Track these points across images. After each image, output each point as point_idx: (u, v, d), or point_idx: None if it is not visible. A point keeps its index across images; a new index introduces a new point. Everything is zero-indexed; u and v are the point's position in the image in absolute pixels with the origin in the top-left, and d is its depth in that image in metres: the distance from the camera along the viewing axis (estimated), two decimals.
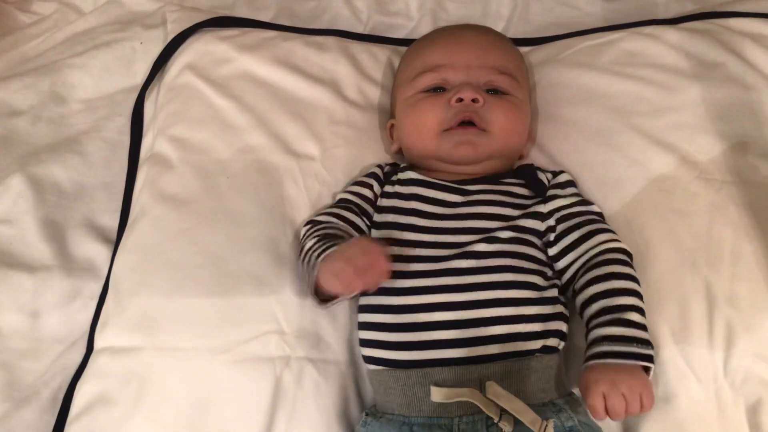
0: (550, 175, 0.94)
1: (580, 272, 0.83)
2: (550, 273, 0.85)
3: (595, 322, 0.78)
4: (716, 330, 0.83)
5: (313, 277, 0.80)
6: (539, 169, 0.95)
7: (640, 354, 0.74)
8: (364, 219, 0.91)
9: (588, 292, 0.80)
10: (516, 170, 0.94)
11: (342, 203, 0.93)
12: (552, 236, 0.86)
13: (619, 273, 0.80)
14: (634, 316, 0.76)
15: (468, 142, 0.90)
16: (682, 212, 0.90)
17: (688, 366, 0.83)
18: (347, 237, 0.85)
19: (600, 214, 0.89)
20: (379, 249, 0.75)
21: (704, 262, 0.87)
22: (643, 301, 0.78)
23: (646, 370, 0.74)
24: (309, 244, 0.84)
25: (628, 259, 0.83)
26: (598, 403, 0.71)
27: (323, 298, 0.83)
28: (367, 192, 0.94)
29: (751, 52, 1.02)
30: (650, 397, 0.72)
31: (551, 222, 0.87)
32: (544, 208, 0.88)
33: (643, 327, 0.76)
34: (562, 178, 0.93)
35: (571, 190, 0.91)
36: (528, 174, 0.92)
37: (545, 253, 0.86)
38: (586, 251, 0.84)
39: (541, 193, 0.90)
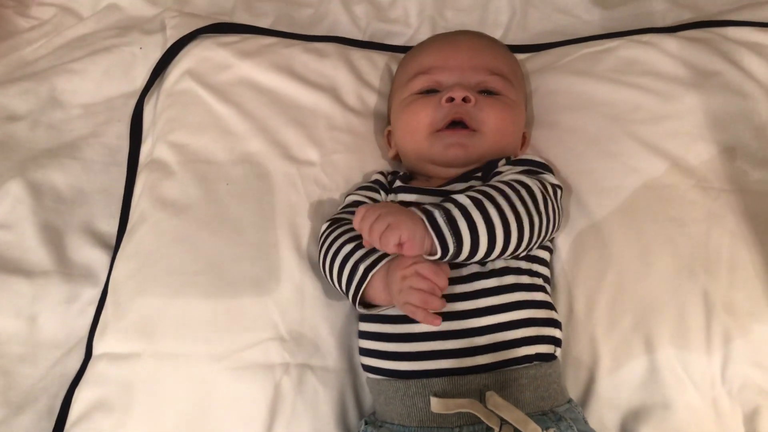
0: (512, 158, 0.92)
1: None
2: (535, 268, 0.85)
3: None
4: (714, 338, 0.84)
5: (361, 286, 0.80)
6: (508, 158, 0.92)
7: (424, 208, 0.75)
8: None
9: None
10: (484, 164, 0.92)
11: (356, 205, 0.92)
12: None
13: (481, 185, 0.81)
14: (459, 196, 0.76)
15: (458, 144, 0.90)
16: (680, 220, 0.90)
17: (685, 373, 0.84)
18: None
19: (551, 185, 0.85)
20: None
21: (702, 270, 0.87)
22: (489, 199, 0.76)
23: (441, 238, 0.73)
24: (347, 248, 0.83)
25: (501, 184, 0.80)
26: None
27: (366, 304, 0.83)
28: (376, 196, 0.94)
29: (748, 61, 1.02)
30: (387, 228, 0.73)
31: None
32: None
33: (452, 198, 0.76)
34: (523, 157, 0.91)
35: (522, 168, 0.87)
36: (488, 163, 0.90)
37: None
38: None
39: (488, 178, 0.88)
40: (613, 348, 0.86)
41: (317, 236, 0.91)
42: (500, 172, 0.87)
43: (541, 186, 0.81)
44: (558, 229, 0.86)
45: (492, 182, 0.81)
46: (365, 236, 0.76)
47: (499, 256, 0.79)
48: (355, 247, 0.83)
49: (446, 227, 0.73)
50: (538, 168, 0.88)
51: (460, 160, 0.91)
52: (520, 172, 0.85)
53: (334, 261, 0.84)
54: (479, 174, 0.90)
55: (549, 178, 0.86)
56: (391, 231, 0.73)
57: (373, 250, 0.81)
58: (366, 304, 0.82)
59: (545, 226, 0.80)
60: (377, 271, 0.79)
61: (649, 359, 0.85)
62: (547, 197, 0.82)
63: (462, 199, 0.76)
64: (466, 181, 0.89)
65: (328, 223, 0.90)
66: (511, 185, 0.79)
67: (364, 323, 0.85)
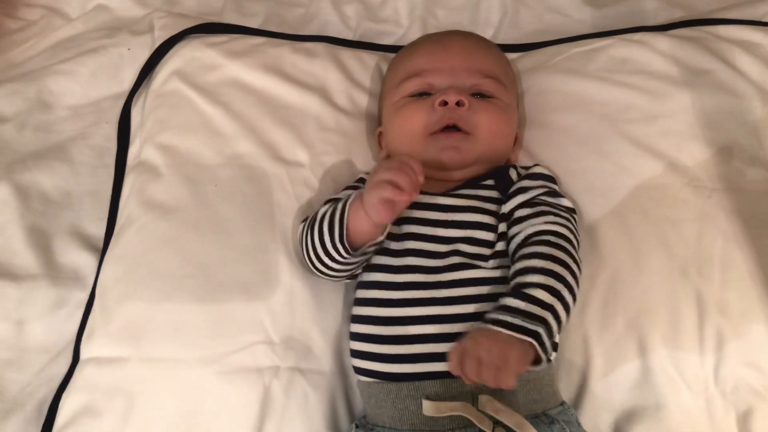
0: (523, 171, 0.93)
1: (516, 249, 0.81)
2: None
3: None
4: (707, 338, 0.84)
5: (344, 223, 0.80)
6: (514, 167, 0.93)
7: (518, 326, 0.69)
8: None
9: (512, 269, 0.78)
10: (492, 172, 0.92)
11: (336, 201, 0.91)
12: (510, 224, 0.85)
13: (543, 253, 0.77)
14: (538, 293, 0.72)
15: (453, 147, 0.89)
16: (672, 220, 0.90)
17: (678, 374, 0.83)
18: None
19: (570, 210, 0.86)
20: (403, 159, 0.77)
21: (695, 270, 0.87)
22: (563, 283, 0.74)
23: (543, 350, 0.70)
24: (322, 210, 0.85)
25: (563, 243, 0.79)
26: (452, 355, 0.69)
27: (355, 246, 0.81)
28: None
29: (739, 60, 1.03)
30: (508, 372, 0.66)
31: (511, 215, 0.85)
32: (506, 207, 0.86)
33: (542, 304, 0.72)
34: (535, 170, 0.92)
35: (540, 182, 0.88)
36: (500, 173, 0.91)
37: None
38: (528, 227, 0.82)
39: (505, 191, 0.88)
40: (606, 349, 0.86)
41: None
42: (523, 188, 0.86)
43: (572, 227, 0.82)
44: None
45: (548, 249, 0.78)
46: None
47: None
48: (331, 204, 0.85)
49: (548, 342, 0.71)
50: (549, 183, 0.89)
51: (454, 162, 0.90)
52: (546, 194, 0.86)
53: (313, 228, 0.84)
54: (490, 183, 0.89)
55: (566, 203, 0.86)
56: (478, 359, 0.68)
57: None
58: (356, 249, 0.81)
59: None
60: (355, 201, 0.80)
61: (642, 360, 0.84)
62: (578, 241, 0.83)
63: (547, 297, 0.73)
64: (473, 188, 0.88)
65: (304, 223, 0.89)
66: (565, 249, 0.78)
67: (356, 324, 0.85)
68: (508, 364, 0.67)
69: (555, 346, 0.77)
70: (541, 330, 0.70)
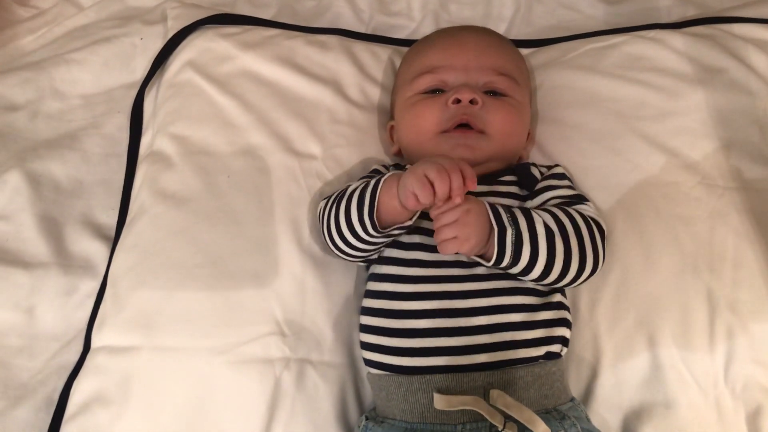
0: (544, 170, 0.93)
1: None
2: None
3: None
4: (717, 336, 0.84)
5: (376, 197, 0.79)
6: (534, 165, 0.94)
7: (499, 214, 0.77)
8: None
9: None
10: (512, 168, 0.92)
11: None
12: None
13: (559, 210, 0.82)
14: (536, 216, 0.79)
15: (466, 145, 0.89)
16: (684, 218, 0.90)
17: (688, 372, 0.84)
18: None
19: (597, 222, 0.85)
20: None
21: (706, 268, 0.87)
22: (564, 233, 0.79)
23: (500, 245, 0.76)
24: (353, 186, 0.84)
25: (579, 217, 0.82)
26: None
27: (382, 224, 0.80)
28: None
29: (754, 58, 1.02)
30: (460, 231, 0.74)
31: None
32: (534, 203, 0.87)
33: (530, 218, 0.78)
34: (557, 170, 0.93)
35: (566, 182, 0.90)
36: (521, 170, 0.91)
37: None
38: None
39: (531, 188, 0.89)
40: (616, 346, 0.86)
41: (318, 228, 0.90)
42: (552, 186, 0.88)
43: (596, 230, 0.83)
44: None
45: (573, 212, 0.82)
46: (435, 202, 0.74)
47: (547, 284, 0.81)
48: (361, 181, 0.85)
49: (510, 248, 0.76)
50: (569, 182, 0.91)
51: (467, 160, 0.89)
52: (575, 197, 0.87)
53: (340, 202, 0.84)
54: (511, 179, 0.89)
55: (595, 215, 0.86)
56: (457, 226, 0.74)
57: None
58: (384, 229, 0.81)
59: (597, 270, 0.83)
60: (390, 179, 0.79)
61: (652, 357, 0.85)
62: (605, 244, 0.84)
63: (539, 225, 0.78)
64: (488, 183, 0.88)
65: (327, 199, 0.89)
66: (589, 224, 0.82)
67: (366, 317, 0.85)
68: (461, 223, 0.74)
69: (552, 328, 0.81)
70: (509, 230, 0.76)
